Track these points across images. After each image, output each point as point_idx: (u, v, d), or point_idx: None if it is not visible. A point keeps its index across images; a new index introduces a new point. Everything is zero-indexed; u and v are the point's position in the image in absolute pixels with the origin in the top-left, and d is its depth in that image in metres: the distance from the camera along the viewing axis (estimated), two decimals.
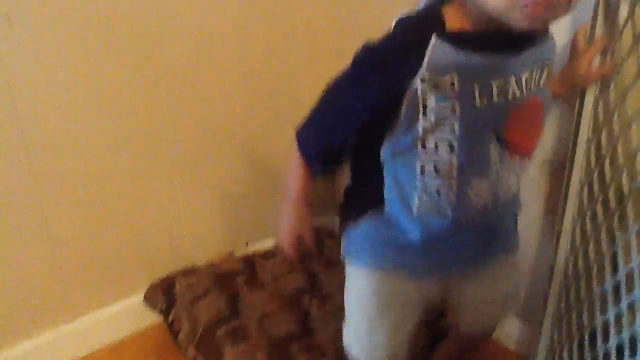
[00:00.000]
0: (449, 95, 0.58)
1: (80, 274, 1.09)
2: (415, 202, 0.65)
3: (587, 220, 0.83)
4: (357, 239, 0.73)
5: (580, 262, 0.85)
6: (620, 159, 0.74)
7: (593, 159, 0.81)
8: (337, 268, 1.19)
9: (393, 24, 0.61)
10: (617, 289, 0.77)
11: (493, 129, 0.61)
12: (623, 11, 0.71)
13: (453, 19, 0.59)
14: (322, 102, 0.66)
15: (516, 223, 0.78)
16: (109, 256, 1.11)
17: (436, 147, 0.61)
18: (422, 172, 0.63)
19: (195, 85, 1.10)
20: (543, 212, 0.98)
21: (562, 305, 0.91)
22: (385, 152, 0.65)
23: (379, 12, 1.11)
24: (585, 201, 0.83)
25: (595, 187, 0.80)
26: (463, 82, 0.58)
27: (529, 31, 0.56)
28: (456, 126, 0.59)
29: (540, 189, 0.97)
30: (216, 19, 1.08)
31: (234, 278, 1.15)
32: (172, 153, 1.12)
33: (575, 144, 0.83)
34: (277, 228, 0.77)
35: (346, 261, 0.77)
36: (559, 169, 0.90)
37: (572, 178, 0.85)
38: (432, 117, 0.59)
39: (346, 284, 0.77)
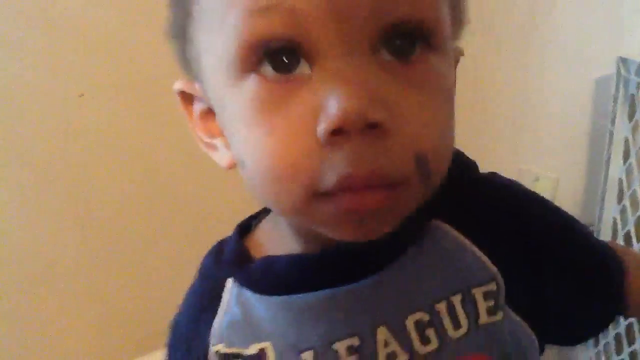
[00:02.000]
0: None
1: (119, 326, 1.13)
2: None
3: None
4: None
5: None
6: None
7: (619, 225, 0.86)
8: None
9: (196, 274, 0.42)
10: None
11: None
12: None
13: (269, 235, 0.38)
14: None
15: None
16: (148, 310, 1.15)
17: None
18: None
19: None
20: None
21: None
22: None
23: None
24: None
25: None
26: (282, 353, 0.33)
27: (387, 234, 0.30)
28: None
29: None
30: None
31: None
32: (208, 217, 1.17)
33: (602, 211, 0.89)
34: None
35: None
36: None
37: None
38: None
39: None
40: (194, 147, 1.15)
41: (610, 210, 0.88)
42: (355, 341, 0.32)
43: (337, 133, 0.25)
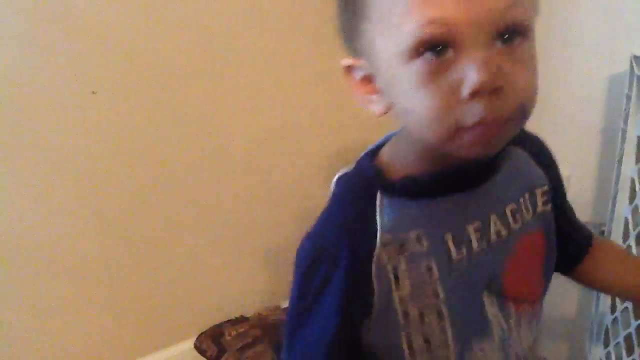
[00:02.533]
0: (420, 254, 0.48)
1: (135, 321, 1.15)
2: None
3: None
4: None
5: (620, 325, 0.89)
6: None
7: (631, 225, 0.86)
8: None
9: (333, 184, 0.54)
10: None
11: (486, 282, 0.51)
12: None
13: (397, 163, 0.51)
14: (291, 329, 0.53)
15: None
16: (162, 305, 1.18)
17: (421, 316, 0.49)
18: (410, 348, 0.49)
19: (250, 155, 1.18)
20: None
21: None
22: (373, 342, 0.51)
23: None
24: None
25: (634, 250, 0.85)
26: (431, 236, 0.48)
27: (490, 158, 0.48)
28: (439, 288, 0.48)
29: None
30: (275, 92, 1.18)
31: (280, 328, 1.20)
32: (224, 217, 1.20)
33: (613, 210, 0.89)
34: None
35: None
36: (599, 232, 0.95)
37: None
38: (406, 284, 0.48)
39: None
40: (202, 143, 1.17)
41: (622, 210, 0.88)
42: (477, 224, 0.50)
43: (475, 94, 0.40)
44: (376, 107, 0.48)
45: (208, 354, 1.17)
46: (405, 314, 0.49)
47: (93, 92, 0.97)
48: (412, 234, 0.48)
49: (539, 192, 0.54)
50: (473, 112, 0.41)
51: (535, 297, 0.56)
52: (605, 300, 0.93)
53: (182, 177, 1.12)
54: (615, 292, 0.69)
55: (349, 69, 0.49)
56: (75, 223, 1.03)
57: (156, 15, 0.99)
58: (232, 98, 1.13)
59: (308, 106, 1.24)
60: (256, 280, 1.30)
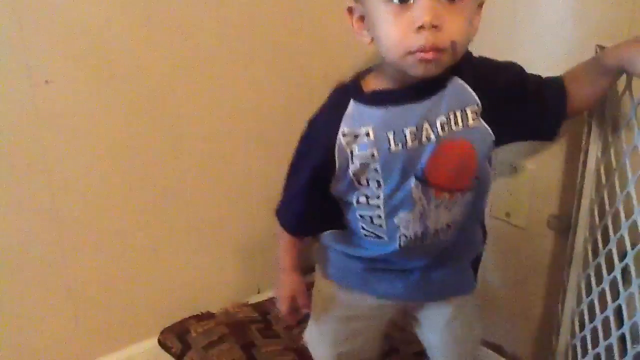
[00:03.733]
0: (367, 144, 0.70)
1: (95, 318, 1.12)
2: (359, 229, 0.78)
3: (592, 275, 0.87)
4: (326, 260, 0.89)
5: (586, 316, 0.89)
6: (622, 218, 0.79)
7: (597, 217, 0.86)
8: None
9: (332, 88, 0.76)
10: (623, 342, 0.81)
11: (414, 171, 0.71)
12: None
13: (373, 82, 0.73)
14: (286, 177, 0.82)
15: (474, 267, 0.87)
16: (123, 301, 1.15)
17: (367, 182, 0.73)
18: (358, 202, 0.76)
19: (211, 139, 1.16)
20: (548, 267, 1.02)
21: (570, 358, 0.94)
22: (336, 193, 0.78)
23: None
24: (590, 256, 0.88)
25: (600, 243, 0.85)
26: (377, 132, 0.70)
27: (432, 80, 0.67)
28: (378, 168, 0.71)
29: (546, 244, 1.01)
30: (231, 72, 1.16)
31: (248, 326, 1.18)
32: (185, 206, 1.17)
33: (579, 202, 0.89)
34: (275, 295, 0.91)
35: (317, 271, 0.92)
36: (565, 225, 0.95)
37: (577, 235, 0.90)
38: (357, 162, 0.71)
39: (314, 288, 0.93)
40: (162, 134, 1.15)
41: (587, 203, 0.87)
42: (413, 129, 0.69)
43: (421, 28, 0.61)
44: (365, 39, 0.69)
45: (173, 350, 1.15)
46: (356, 180, 0.73)
47: (46, 82, 0.93)
48: (363, 130, 0.70)
49: (469, 110, 0.70)
50: (418, 40, 0.62)
51: (454, 189, 0.73)
52: (571, 293, 0.93)
53: (143, 169, 1.09)
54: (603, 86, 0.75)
55: (350, 9, 0.69)
56: (31, 214, 0.99)
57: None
58: (192, 86, 1.10)
59: (271, 97, 1.22)
60: (223, 275, 1.28)
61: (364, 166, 0.71)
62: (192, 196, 1.17)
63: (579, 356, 0.91)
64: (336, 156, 0.72)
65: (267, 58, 1.18)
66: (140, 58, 1.02)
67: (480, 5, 0.68)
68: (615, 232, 0.81)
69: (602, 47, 0.79)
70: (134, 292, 1.15)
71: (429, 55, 0.62)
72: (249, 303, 1.28)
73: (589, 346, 0.88)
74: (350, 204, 0.77)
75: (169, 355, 1.15)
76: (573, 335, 0.93)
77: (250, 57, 1.16)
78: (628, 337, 0.78)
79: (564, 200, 0.96)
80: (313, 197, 0.80)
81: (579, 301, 0.91)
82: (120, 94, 1.02)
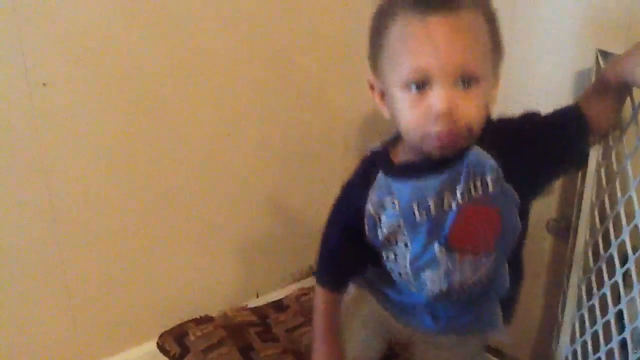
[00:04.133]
0: (394, 214, 0.74)
1: (94, 321, 1.11)
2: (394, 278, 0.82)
3: (593, 279, 0.87)
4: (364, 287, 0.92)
5: (586, 321, 0.89)
6: (623, 222, 0.79)
7: (597, 220, 0.85)
8: None
9: (366, 152, 0.81)
10: (624, 347, 0.81)
11: (438, 237, 0.73)
12: None
13: (400, 153, 0.76)
14: (321, 237, 0.88)
15: (499, 307, 0.83)
16: (122, 304, 1.14)
17: (396, 242, 0.77)
18: (387, 258, 0.80)
19: (209, 143, 1.16)
20: (548, 271, 1.01)
21: None
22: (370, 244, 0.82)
23: None
24: (591, 260, 0.87)
25: (601, 247, 0.84)
26: (403, 203, 0.73)
27: (452, 154, 0.69)
28: (405, 233, 0.75)
29: (545, 247, 1.01)
30: (230, 74, 1.15)
31: (247, 330, 1.17)
32: (184, 209, 1.17)
33: (580, 206, 0.88)
34: None
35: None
36: (564, 228, 0.94)
37: (577, 238, 0.90)
38: (385, 229, 0.76)
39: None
40: (161, 137, 1.15)
41: (588, 205, 0.87)
42: (436, 198, 0.71)
43: (438, 115, 0.63)
44: (385, 113, 0.72)
45: (171, 353, 1.14)
46: (386, 240, 0.78)
47: (44, 84, 0.93)
48: (390, 200, 0.74)
49: (488, 177, 0.70)
50: (435, 127, 0.64)
51: (477, 251, 0.74)
52: (572, 297, 0.92)
53: (142, 171, 1.09)
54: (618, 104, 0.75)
55: (371, 85, 0.73)
56: (29, 216, 0.98)
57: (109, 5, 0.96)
58: (192, 88, 1.10)
59: (271, 99, 1.21)
60: (222, 278, 1.27)
61: (391, 233, 0.76)
62: (191, 198, 1.17)
63: (579, 357, 0.91)
64: (365, 222, 0.78)
65: (267, 59, 1.18)
66: (138, 60, 1.02)
67: (497, 78, 0.70)
68: (616, 236, 0.81)
69: (602, 52, 0.79)
70: (133, 295, 1.15)
71: (446, 140, 0.65)
72: (248, 307, 1.27)
73: (590, 351, 0.88)
74: (382, 256, 0.81)
75: (167, 358, 1.14)
76: (573, 339, 0.93)
77: (250, 59, 1.16)
78: (629, 342, 0.77)
79: (563, 203, 0.96)
80: (348, 253, 0.85)
81: (580, 305, 0.91)
82: (118, 96, 1.02)
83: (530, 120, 0.72)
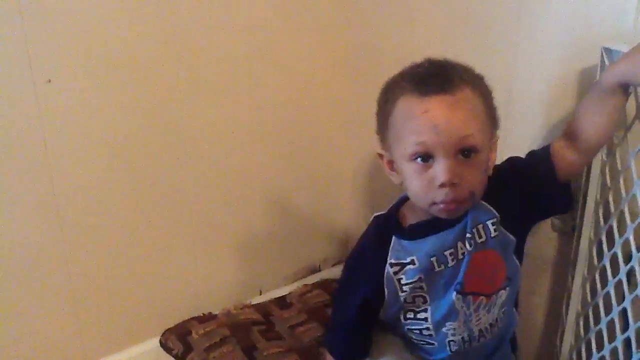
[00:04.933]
0: (414, 270, 0.78)
1: (97, 319, 1.12)
2: (410, 339, 0.85)
3: (597, 277, 0.86)
4: None
5: (591, 319, 0.88)
6: (627, 220, 0.79)
7: (602, 219, 0.85)
8: None
9: (370, 220, 0.85)
10: (628, 345, 0.80)
11: (454, 285, 0.78)
12: None
13: (409, 215, 0.81)
14: (334, 307, 0.91)
15: (512, 344, 0.89)
16: (125, 302, 1.14)
17: (414, 300, 0.80)
18: (405, 318, 0.82)
19: (212, 140, 1.16)
20: (552, 270, 1.01)
21: None
22: (385, 319, 0.85)
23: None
24: (595, 259, 0.87)
25: (605, 245, 0.84)
26: (422, 259, 0.77)
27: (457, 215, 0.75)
28: (424, 286, 0.78)
29: (550, 246, 1.00)
30: (231, 71, 1.15)
31: (250, 328, 1.17)
32: (188, 207, 1.17)
33: (584, 205, 0.88)
34: None
35: None
36: (569, 227, 0.94)
37: (582, 237, 0.89)
38: (406, 289, 0.79)
39: None
40: (166, 136, 1.15)
41: (592, 203, 0.87)
42: (451, 250, 0.77)
43: (442, 185, 0.69)
44: (395, 180, 0.77)
45: (174, 351, 1.14)
46: (405, 301, 0.80)
47: (49, 81, 0.93)
48: (409, 259, 0.78)
49: (489, 222, 0.77)
50: (440, 195, 0.70)
51: (489, 292, 0.79)
52: (576, 295, 0.92)
53: (145, 170, 1.09)
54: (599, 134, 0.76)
55: (381, 154, 0.78)
56: (33, 214, 0.99)
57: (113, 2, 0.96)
58: (195, 86, 1.10)
59: (270, 99, 1.21)
60: (225, 276, 1.27)
61: (413, 289, 0.79)
62: (194, 196, 1.17)
63: (584, 359, 0.91)
64: (385, 285, 0.79)
65: (269, 56, 1.18)
66: (142, 56, 1.02)
67: (495, 141, 0.75)
68: (620, 235, 0.80)
69: (607, 49, 0.79)
70: (136, 293, 1.15)
71: (451, 207, 0.71)
72: (251, 304, 1.27)
73: (594, 349, 0.87)
74: (399, 321, 0.83)
75: (170, 356, 1.14)
76: (577, 338, 0.93)
77: (252, 56, 1.16)
78: (633, 340, 0.77)
79: None
80: (363, 326, 0.85)
81: (584, 304, 0.91)
82: (122, 92, 1.02)
83: (511, 164, 0.80)
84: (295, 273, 1.39)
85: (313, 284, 1.36)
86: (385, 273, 0.79)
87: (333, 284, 1.37)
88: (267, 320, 1.21)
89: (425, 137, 0.68)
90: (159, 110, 1.07)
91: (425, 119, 0.68)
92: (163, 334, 1.17)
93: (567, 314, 0.94)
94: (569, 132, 0.77)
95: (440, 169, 0.69)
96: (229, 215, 1.23)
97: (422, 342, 0.84)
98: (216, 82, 1.12)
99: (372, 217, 0.84)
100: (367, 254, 0.83)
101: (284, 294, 1.32)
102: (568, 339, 0.95)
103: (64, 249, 1.03)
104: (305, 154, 1.30)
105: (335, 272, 1.43)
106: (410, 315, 0.82)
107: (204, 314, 1.22)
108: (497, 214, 0.77)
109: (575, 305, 0.93)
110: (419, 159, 0.70)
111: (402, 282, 0.79)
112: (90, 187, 1.03)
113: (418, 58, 0.75)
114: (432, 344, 0.82)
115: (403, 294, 0.79)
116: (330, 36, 1.25)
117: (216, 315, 1.22)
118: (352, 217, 1.40)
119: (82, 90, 0.97)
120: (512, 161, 0.81)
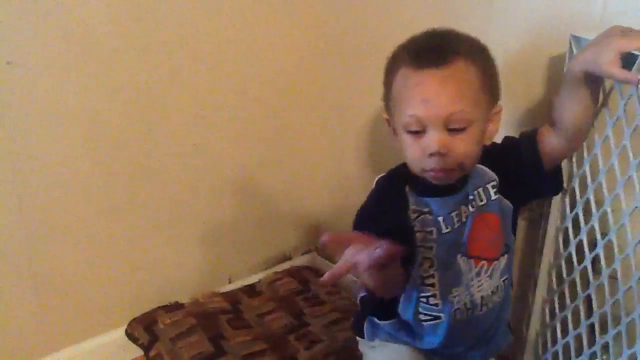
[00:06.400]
0: (429, 221, 0.79)
1: (61, 308, 1.09)
2: (416, 314, 0.83)
3: (563, 265, 0.87)
4: (382, 333, 0.89)
5: (557, 307, 0.89)
6: (593, 208, 0.79)
7: (568, 207, 0.86)
8: (322, 306, 1.22)
9: (375, 182, 0.84)
10: (592, 331, 0.82)
11: (458, 247, 0.79)
12: None
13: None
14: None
15: (508, 327, 0.89)
16: (90, 291, 1.12)
17: (422, 263, 0.80)
18: (416, 283, 0.81)
19: (181, 127, 1.13)
20: (520, 256, 1.02)
21: (540, 347, 0.95)
22: None
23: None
24: (561, 246, 0.88)
25: (570, 233, 0.85)
26: (432, 216, 0.79)
27: (447, 183, 0.77)
28: (434, 247, 0.79)
29: (517, 233, 1.01)
30: (203, 58, 1.13)
31: (217, 317, 1.16)
32: (155, 193, 1.14)
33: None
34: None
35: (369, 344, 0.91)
36: (536, 214, 0.95)
37: (549, 224, 0.90)
38: (418, 235, 0.79)
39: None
40: (136, 121, 1.12)
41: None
42: (455, 212, 0.78)
43: (431, 155, 0.72)
44: (396, 145, 0.79)
45: (140, 342, 1.12)
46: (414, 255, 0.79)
47: (8, 63, 0.89)
48: (426, 209, 0.79)
49: (489, 185, 0.79)
50: (430, 163, 0.73)
51: (490, 257, 0.81)
52: (542, 282, 0.93)
53: (111, 156, 1.06)
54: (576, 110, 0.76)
55: (388, 120, 0.80)
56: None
57: None
58: (167, 71, 1.07)
59: (246, 88, 1.19)
60: (193, 264, 1.25)
61: (423, 241, 0.79)
62: (161, 182, 1.14)
63: (549, 345, 0.92)
64: (408, 231, 0.78)
65: (242, 45, 1.16)
66: (110, 39, 0.99)
67: (497, 112, 0.76)
68: (586, 222, 0.81)
69: (575, 37, 0.79)
70: (101, 281, 1.12)
71: (440, 174, 0.74)
72: (220, 292, 1.26)
73: (559, 335, 0.89)
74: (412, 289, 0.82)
75: (136, 346, 1.12)
76: (543, 324, 0.94)
77: (231, 43, 1.14)
78: (597, 327, 0.78)
79: None
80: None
81: (550, 291, 0.92)
82: (88, 75, 0.98)
83: (508, 142, 0.82)
84: (265, 261, 1.38)
85: (283, 271, 1.35)
86: (408, 216, 0.78)
87: (303, 271, 1.36)
88: (236, 309, 1.20)
89: (416, 110, 0.71)
90: (127, 93, 1.04)
91: (418, 92, 0.71)
92: (129, 324, 1.15)
93: (533, 300, 0.95)
94: (551, 118, 0.77)
95: (430, 140, 0.71)
96: (198, 203, 1.21)
97: (429, 318, 0.82)
98: (191, 65, 1.10)
99: (377, 178, 0.84)
100: (380, 206, 0.82)
101: (253, 282, 1.31)
102: (534, 325, 0.96)
103: (25, 234, 1.00)
104: (276, 142, 1.29)
105: (305, 259, 1.43)
106: (418, 281, 0.80)
107: (171, 303, 1.20)
108: (496, 177, 0.79)
109: (541, 292, 0.93)
110: (412, 130, 0.73)
111: (417, 227, 0.79)
112: (53, 170, 1.00)
113: (394, 43, 0.75)
114: (439, 317, 0.81)
115: (419, 246, 0.78)
116: (308, 23, 1.23)
117: (183, 304, 1.20)
118: (322, 205, 1.39)
119: (45, 71, 0.94)
120: (510, 139, 0.82)
